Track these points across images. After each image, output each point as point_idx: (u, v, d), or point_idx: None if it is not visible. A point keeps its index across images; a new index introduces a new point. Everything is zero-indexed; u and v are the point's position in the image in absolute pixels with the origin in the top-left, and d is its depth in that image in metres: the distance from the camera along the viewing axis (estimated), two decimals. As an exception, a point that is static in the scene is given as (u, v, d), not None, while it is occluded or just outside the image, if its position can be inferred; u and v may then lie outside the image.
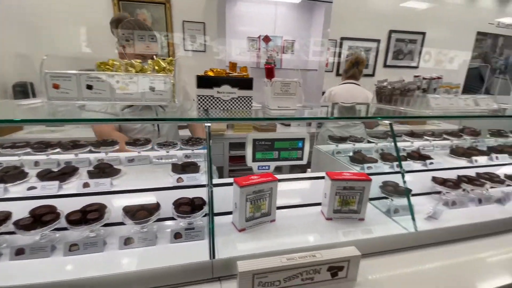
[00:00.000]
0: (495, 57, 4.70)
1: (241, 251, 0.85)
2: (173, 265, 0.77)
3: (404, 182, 1.10)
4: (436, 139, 1.82)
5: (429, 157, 1.50)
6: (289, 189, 1.38)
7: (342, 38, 3.87)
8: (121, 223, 0.92)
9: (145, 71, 1.09)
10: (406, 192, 1.10)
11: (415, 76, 1.48)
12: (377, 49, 4.05)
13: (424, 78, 1.44)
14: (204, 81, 1.03)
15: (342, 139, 1.69)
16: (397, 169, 1.11)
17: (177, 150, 1.36)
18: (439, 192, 1.27)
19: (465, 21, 4.30)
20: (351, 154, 1.57)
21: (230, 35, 3.24)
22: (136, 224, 0.87)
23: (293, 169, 2.93)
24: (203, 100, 1.05)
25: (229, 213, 1.04)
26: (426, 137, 1.82)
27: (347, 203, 1.05)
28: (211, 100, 1.05)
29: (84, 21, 3.00)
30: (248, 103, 1.11)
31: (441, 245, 1.04)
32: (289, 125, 3.57)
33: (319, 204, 1.15)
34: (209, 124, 0.90)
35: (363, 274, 0.85)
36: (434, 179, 1.29)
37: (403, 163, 1.42)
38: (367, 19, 3.88)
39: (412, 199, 1.11)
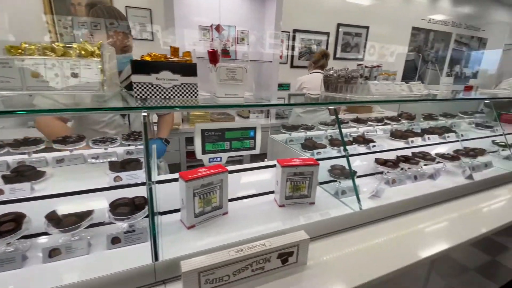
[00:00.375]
0: (427, 50, 5.27)
1: (189, 249, 0.79)
2: (108, 273, 0.68)
3: (349, 165, 1.15)
4: (379, 124, 1.96)
5: (372, 141, 1.60)
6: (243, 180, 1.35)
7: (295, 30, 3.94)
8: (46, 233, 0.79)
9: (68, 56, 0.94)
10: (351, 174, 1.15)
11: (358, 65, 1.56)
12: (327, 41, 4.22)
13: (366, 67, 1.53)
14: (139, 67, 0.93)
15: (294, 128, 1.72)
16: (344, 153, 1.15)
17: (116, 146, 1.22)
18: (381, 172, 1.36)
19: (402, 17, 4.72)
20: (303, 141, 1.60)
21: (180, 24, 3.04)
22: (63, 232, 0.75)
23: (254, 159, 2.93)
24: (141, 88, 0.94)
25: (178, 210, 0.98)
26: (370, 123, 1.95)
27: (298, 188, 1.06)
28: (150, 88, 0.95)
29: (8, 5, 2.54)
30: (193, 91, 1.03)
31: (384, 221, 1.12)
32: (247, 117, 3.55)
33: (273, 192, 1.15)
34: (145, 114, 0.81)
35: (314, 257, 0.86)
36: (377, 160, 1.38)
37: (350, 147, 1.49)
38: (317, 12, 4.00)
39: (358, 180, 1.16)
